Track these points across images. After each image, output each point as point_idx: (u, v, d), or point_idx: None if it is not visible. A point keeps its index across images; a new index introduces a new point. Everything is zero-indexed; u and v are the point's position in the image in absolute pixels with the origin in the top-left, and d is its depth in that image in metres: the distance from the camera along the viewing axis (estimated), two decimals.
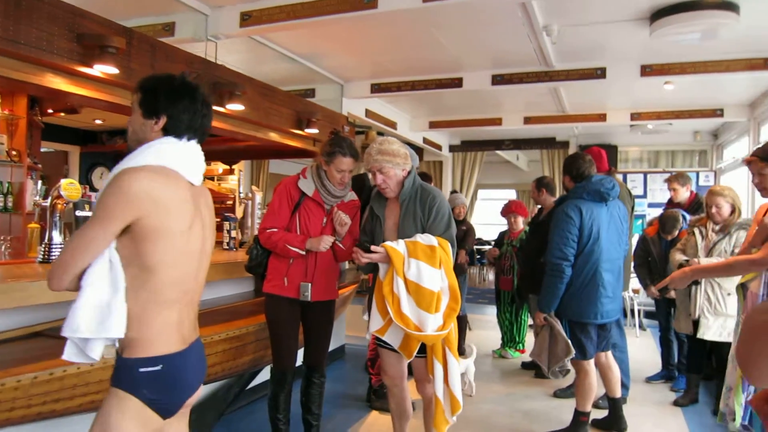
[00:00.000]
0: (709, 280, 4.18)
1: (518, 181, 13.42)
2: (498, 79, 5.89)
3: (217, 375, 3.24)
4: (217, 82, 3.97)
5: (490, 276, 12.96)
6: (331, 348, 3.98)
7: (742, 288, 2.86)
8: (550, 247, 3.59)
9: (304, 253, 3.11)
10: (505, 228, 6.12)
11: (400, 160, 2.96)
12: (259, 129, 4.73)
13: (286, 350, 3.23)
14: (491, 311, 7.73)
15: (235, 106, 4.09)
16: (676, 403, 4.56)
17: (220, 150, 6.61)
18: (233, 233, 4.71)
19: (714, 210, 4.13)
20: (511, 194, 13.81)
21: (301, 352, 3.46)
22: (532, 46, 4.96)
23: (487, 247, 11.61)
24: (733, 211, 4.10)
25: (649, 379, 5.17)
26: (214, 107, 3.99)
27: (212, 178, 9.00)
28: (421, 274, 2.73)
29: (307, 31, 4.78)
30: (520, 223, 5.89)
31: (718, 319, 4.13)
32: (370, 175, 3.04)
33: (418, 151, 9.23)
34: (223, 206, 8.60)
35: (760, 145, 2.94)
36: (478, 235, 11.84)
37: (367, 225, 3.12)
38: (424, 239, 2.81)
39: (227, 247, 4.68)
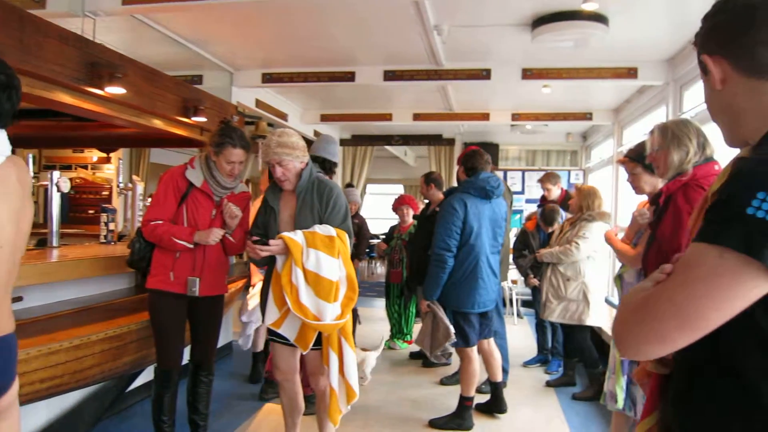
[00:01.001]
0: (552, 267, 4.63)
1: (406, 177, 13.73)
2: (390, 75, 5.97)
3: (95, 377, 3.03)
4: (95, 63, 3.68)
5: (379, 269, 13.20)
6: (219, 344, 3.87)
7: (619, 278, 3.15)
8: (435, 238, 3.75)
9: (192, 246, 2.98)
10: (394, 222, 6.26)
11: (300, 153, 2.95)
12: (142, 115, 4.45)
13: (171, 348, 3.09)
14: (380, 304, 7.87)
15: (115, 89, 3.82)
16: (548, 384, 4.94)
17: (95, 136, 6.14)
18: (111, 225, 4.43)
19: (570, 202, 4.71)
20: (399, 189, 14.11)
21: (187, 350, 3.33)
22: (423, 44, 5.08)
23: (375, 241, 11.78)
24: (582, 205, 4.56)
25: (526, 364, 5.53)
26: (91, 89, 3.72)
27: (86, 167, 8.37)
28: (320, 264, 2.74)
29: (196, 14, 4.56)
30: (409, 217, 6.04)
31: (561, 303, 4.53)
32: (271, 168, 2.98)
33: (309, 144, 9.13)
34: (98, 197, 8.04)
35: (631, 147, 3.24)
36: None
37: (260, 217, 3.06)
38: (322, 230, 2.82)
39: (105, 241, 4.39)
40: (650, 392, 1.19)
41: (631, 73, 5.64)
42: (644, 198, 3.07)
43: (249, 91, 6.51)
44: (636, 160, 2.90)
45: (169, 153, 8.74)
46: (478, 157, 3.93)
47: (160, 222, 2.99)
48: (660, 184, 2.68)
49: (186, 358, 3.33)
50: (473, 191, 3.81)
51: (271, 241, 2.79)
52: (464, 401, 3.94)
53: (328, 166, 3.62)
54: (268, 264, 2.98)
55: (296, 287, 2.72)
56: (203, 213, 3.08)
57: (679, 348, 0.92)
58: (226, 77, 6.14)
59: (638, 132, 6.84)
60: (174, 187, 3.06)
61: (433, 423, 3.94)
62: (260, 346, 4.78)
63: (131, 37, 5.15)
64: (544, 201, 5.81)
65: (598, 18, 4.38)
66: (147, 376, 3.78)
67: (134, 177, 5.11)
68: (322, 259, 2.75)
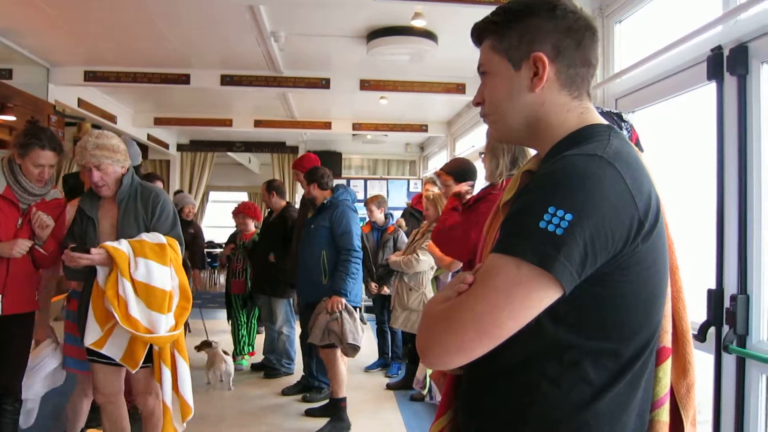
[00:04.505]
0: (400, 276, 4.80)
1: (250, 184, 13.42)
2: (227, 80, 5.82)
3: None
4: None
5: (221, 279, 12.72)
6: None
7: (435, 280, 3.33)
8: (349, 236, 3.93)
9: None
10: (235, 229, 6.06)
11: (120, 157, 2.76)
12: None
13: None
14: (222, 315, 7.58)
15: None
16: (388, 387, 5.10)
17: None
18: None
19: (425, 212, 4.78)
20: (243, 196, 13.75)
21: None
22: (261, 50, 5.02)
23: (218, 250, 11.35)
24: (437, 214, 4.75)
25: (368, 368, 5.66)
26: None
27: None
28: (151, 274, 2.58)
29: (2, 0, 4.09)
30: (250, 226, 5.87)
31: (405, 312, 4.71)
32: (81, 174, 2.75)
33: (143, 148, 8.60)
34: None
35: (447, 162, 3.48)
36: (209, 237, 11.56)
37: (76, 227, 2.80)
38: (151, 237, 2.66)
39: None
40: (445, 392, 1.23)
41: (459, 88, 6.06)
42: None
43: (70, 89, 5.97)
44: (450, 173, 3.12)
45: None
46: (327, 175, 4.19)
47: None
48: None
49: None
50: (350, 199, 4.18)
51: (93, 250, 2.57)
52: (339, 402, 3.96)
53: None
54: (86, 278, 2.74)
55: (124, 300, 2.53)
56: (7, 223, 2.76)
57: (478, 356, 0.95)
58: (42, 73, 5.55)
59: (468, 144, 7.36)
60: None
61: None
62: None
63: None
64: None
65: (428, 35, 4.65)
66: None
67: None
68: (152, 268, 2.60)
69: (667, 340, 1.08)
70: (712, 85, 2.28)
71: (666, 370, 1.08)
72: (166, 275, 2.64)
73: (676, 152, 2.84)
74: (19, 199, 2.79)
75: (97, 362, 2.77)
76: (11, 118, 4.45)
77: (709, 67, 2.26)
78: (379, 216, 5.71)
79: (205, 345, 4.86)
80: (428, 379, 3.06)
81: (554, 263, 0.88)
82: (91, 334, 2.62)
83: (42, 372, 2.94)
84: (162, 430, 2.77)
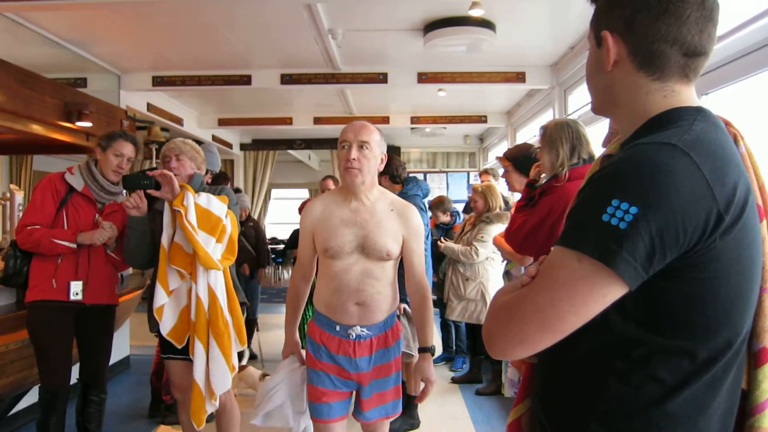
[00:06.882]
0: (454, 267, 4.75)
1: (311, 180, 13.65)
2: (287, 79, 5.93)
3: None
4: None
5: (285, 275, 13.01)
6: (113, 360, 3.66)
7: (507, 275, 3.28)
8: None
9: (75, 246, 2.80)
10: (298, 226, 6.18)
11: (199, 159, 2.90)
12: (18, 120, 4.15)
13: (56, 367, 2.88)
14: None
15: None
16: (453, 381, 5.08)
17: None
18: None
19: (472, 204, 4.81)
20: (304, 193, 14.00)
21: (76, 368, 3.12)
22: (319, 48, 5.09)
23: (281, 246, 11.62)
24: (485, 206, 4.70)
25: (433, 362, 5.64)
26: None
27: None
28: (211, 203, 2.65)
29: (75, 13, 4.31)
30: None
31: (461, 302, 4.67)
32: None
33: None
34: None
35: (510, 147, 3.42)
36: (272, 234, 11.84)
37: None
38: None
39: None
40: (523, 380, 1.22)
41: (519, 77, 5.94)
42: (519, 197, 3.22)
43: (139, 94, 6.24)
44: (509, 158, 3.06)
45: (55, 160, 8.17)
46: (400, 166, 4.06)
47: (38, 227, 2.80)
48: None
49: (75, 376, 3.13)
50: (421, 193, 4.05)
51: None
52: (412, 399, 3.97)
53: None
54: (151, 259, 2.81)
55: (186, 207, 2.57)
56: (85, 218, 2.91)
57: (542, 349, 0.94)
58: (113, 80, 5.84)
59: (530, 134, 7.21)
60: (52, 190, 2.87)
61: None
62: None
63: (3, 38, 4.78)
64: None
65: (486, 24, 4.58)
66: (32, 397, 3.51)
67: (12, 186, 4.76)
68: (213, 200, 2.67)
69: (767, 340, 1.00)
70: None
71: (766, 372, 1.00)
72: (222, 209, 2.68)
73: (755, 136, 2.68)
74: (96, 197, 2.94)
75: (172, 359, 2.82)
76: (88, 124, 4.69)
77: None
78: (444, 219, 5.72)
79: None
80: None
81: (616, 258, 0.84)
82: (159, 299, 2.63)
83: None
84: (190, 407, 2.66)
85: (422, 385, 2.28)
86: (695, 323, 0.92)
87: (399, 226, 2.27)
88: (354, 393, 2.37)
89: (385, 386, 2.34)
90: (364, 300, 2.22)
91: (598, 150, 2.39)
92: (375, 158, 2.28)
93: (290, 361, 2.48)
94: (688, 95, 0.99)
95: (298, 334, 2.54)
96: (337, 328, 2.25)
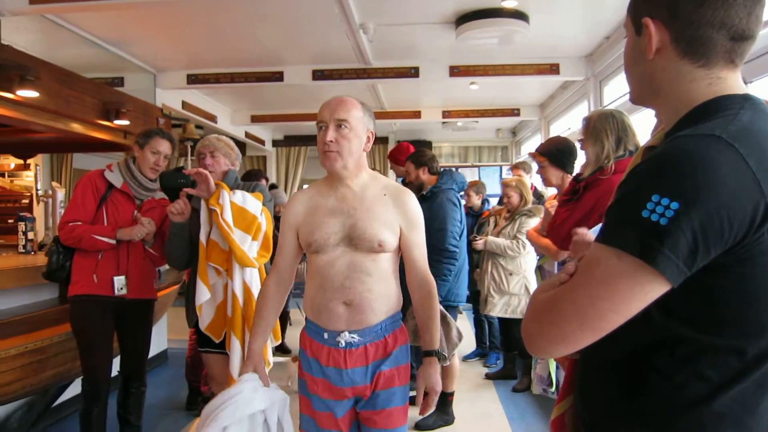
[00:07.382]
0: (494, 261, 4.69)
1: None
2: (318, 75, 5.96)
3: (16, 393, 2.89)
4: (4, 65, 3.50)
5: None
6: (151, 354, 3.74)
7: (539, 269, 3.23)
8: (443, 234, 3.66)
9: (114, 242, 2.87)
10: None
11: (233, 155, 2.95)
12: (59, 119, 4.26)
13: (98, 359, 2.96)
14: None
15: (27, 93, 3.65)
16: (487, 377, 5.05)
17: (11, 142, 5.82)
18: (30, 235, 4.22)
19: (505, 199, 4.74)
20: None
21: (116, 361, 3.20)
22: (351, 43, 5.09)
23: None
24: (521, 200, 4.65)
25: (466, 358, 5.63)
26: (1, 93, 3.53)
27: (2, 174, 7.97)
28: (246, 200, 2.68)
29: (112, 14, 4.40)
30: None
31: (503, 297, 4.62)
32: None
33: (241, 146, 9.01)
34: (18, 205, 7.64)
35: (543, 141, 3.36)
36: None
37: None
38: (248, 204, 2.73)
39: (24, 251, 4.17)
40: (566, 377, 1.21)
41: (553, 69, 5.84)
42: (554, 191, 3.16)
43: (174, 92, 6.34)
44: (543, 153, 2.99)
45: (94, 158, 8.38)
46: (434, 157, 4.00)
47: (79, 223, 2.87)
48: (568, 177, 2.79)
49: (116, 369, 3.21)
50: (456, 186, 3.93)
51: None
52: (447, 396, 3.96)
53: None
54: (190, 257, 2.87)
55: (221, 205, 2.62)
56: (124, 215, 2.98)
57: (582, 347, 0.93)
58: (149, 79, 5.95)
59: (564, 126, 7.09)
60: (93, 188, 2.95)
61: (420, 425, 3.83)
62: None
63: (44, 39, 4.93)
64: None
65: (519, 15, 4.52)
66: (76, 388, 3.62)
67: (53, 183, 4.90)
68: (247, 198, 2.69)
69: None
70: None
71: None
72: (257, 206, 2.71)
73: None
74: (135, 194, 3.01)
75: (210, 352, 2.85)
76: (125, 122, 4.79)
77: None
78: (476, 201, 5.69)
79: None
80: (553, 375, 2.92)
81: (656, 255, 0.82)
82: (201, 296, 2.68)
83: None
84: None
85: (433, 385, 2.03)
86: (744, 320, 0.89)
87: (394, 213, 1.98)
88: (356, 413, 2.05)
89: (388, 402, 2.01)
90: (351, 299, 1.91)
91: (644, 141, 2.31)
92: (357, 137, 1.98)
93: (246, 379, 2.06)
94: (734, 82, 0.95)
95: (263, 350, 2.24)
96: (325, 335, 1.95)
